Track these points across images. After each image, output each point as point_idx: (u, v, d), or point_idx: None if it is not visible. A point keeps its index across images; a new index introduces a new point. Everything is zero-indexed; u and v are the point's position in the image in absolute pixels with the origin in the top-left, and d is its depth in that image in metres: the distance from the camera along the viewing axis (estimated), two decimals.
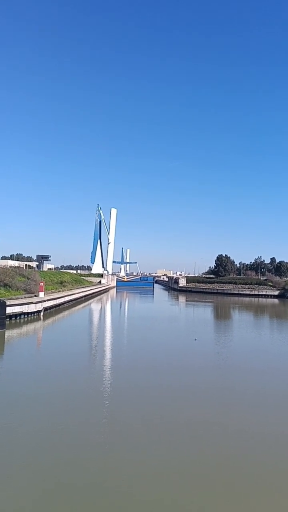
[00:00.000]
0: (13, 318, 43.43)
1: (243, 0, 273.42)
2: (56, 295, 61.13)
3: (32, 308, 47.06)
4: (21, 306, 44.66)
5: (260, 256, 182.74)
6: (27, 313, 46.14)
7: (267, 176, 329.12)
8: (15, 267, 78.11)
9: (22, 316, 45.20)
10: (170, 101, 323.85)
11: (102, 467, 13.10)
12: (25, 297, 49.92)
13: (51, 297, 57.22)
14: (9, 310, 42.09)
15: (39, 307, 49.35)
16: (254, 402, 20.65)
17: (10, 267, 71.92)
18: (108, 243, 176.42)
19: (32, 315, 47.56)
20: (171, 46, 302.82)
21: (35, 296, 52.94)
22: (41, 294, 53.49)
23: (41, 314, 49.84)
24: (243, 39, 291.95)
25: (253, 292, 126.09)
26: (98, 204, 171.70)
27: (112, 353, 32.67)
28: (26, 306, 45.75)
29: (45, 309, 51.93)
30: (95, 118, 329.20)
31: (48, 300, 53.79)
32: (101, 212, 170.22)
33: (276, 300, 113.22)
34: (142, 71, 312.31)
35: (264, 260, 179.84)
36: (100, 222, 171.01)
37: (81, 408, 18.66)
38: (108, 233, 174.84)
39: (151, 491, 11.70)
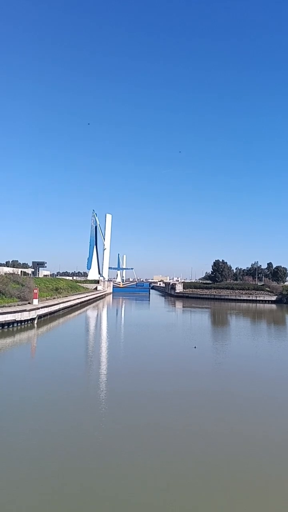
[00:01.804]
0: (6, 327, 42.19)
1: (241, 5, 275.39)
2: (50, 302, 59.89)
3: (25, 316, 45.80)
4: (14, 314, 43.40)
5: (257, 261, 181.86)
6: (20, 321, 44.87)
7: (263, 181, 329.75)
8: (10, 273, 76.79)
9: (15, 324, 43.94)
10: (165, 107, 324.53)
11: (102, 473, 13.09)
12: (18, 305, 48.69)
13: (46, 304, 55.97)
14: (1, 318, 40.92)
15: (33, 314, 48.08)
16: (257, 410, 19.67)
17: (5, 274, 70.62)
18: (104, 249, 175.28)
19: (26, 323, 46.29)
20: (168, 52, 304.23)
21: (29, 303, 51.69)
22: (35, 301, 52.24)
23: (35, 322, 48.58)
24: (241, 43, 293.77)
25: (250, 298, 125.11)
26: (93, 210, 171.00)
27: (108, 362, 31.50)
28: (19, 314, 44.49)
29: (39, 316, 50.67)
30: (90, 124, 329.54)
31: (42, 307, 52.54)
32: (96, 218, 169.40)
33: (273, 306, 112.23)
34: (138, 77, 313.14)
35: (261, 265, 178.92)
36: (95, 227, 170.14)
37: (79, 416, 18.22)
38: (104, 239, 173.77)
39: (151, 496, 11.81)
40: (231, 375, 27.83)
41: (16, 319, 43.83)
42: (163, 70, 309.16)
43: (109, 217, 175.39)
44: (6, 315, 41.96)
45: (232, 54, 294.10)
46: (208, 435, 16.46)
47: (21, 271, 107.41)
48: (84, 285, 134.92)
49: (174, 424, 17.49)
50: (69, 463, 13.69)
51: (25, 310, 45.96)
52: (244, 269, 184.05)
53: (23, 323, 45.58)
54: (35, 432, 16.24)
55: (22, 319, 45.21)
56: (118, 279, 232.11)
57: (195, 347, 36.87)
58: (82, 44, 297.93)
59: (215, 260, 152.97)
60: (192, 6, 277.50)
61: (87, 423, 17.41)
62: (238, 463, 14.10)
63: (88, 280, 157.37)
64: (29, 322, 47.09)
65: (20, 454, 14.18)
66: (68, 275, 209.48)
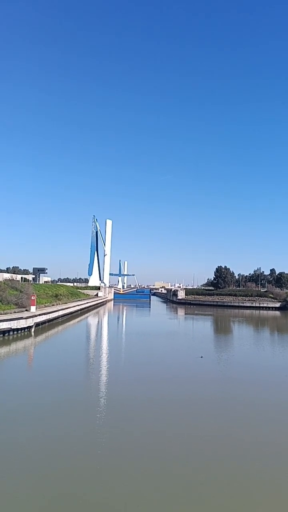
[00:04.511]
0: (1, 335, 40.31)
1: (242, 12, 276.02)
2: (49, 309, 57.96)
3: (22, 323, 43.91)
4: (10, 322, 41.52)
5: (260, 268, 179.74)
6: (17, 329, 43.00)
7: (265, 186, 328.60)
8: (8, 279, 75.00)
9: (11, 333, 42.06)
10: (165, 114, 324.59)
11: (101, 480, 12.93)
12: (15, 312, 46.84)
13: (44, 311, 54.05)
14: None
15: (30, 322, 46.17)
16: (268, 421, 17.80)
17: (4, 280, 68.83)
18: (105, 255, 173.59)
19: (22, 331, 44.41)
20: (169, 59, 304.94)
21: (26, 310, 49.85)
22: (33, 308, 50.36)
23: (32, 330, 46.67)
24: (240, 51, 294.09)
25: (253, 304, 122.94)
26: (94, 216, 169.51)
27: (108, 372, 29.51)
28: (15, 321, 42.61)
29: (37, 324, 48.76)
30: (91, 131, 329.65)
31: (40, 314, 50.64)
32: (97, 223, 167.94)
33: (277, 313, 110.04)
34: (139, 84, 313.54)
35: (263, 272, 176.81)
36: (96, 233, 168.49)
37: (78, 425, 17.60)
38: (104, 245, 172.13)
39: (151, 504, 11.71)
40: (241, 386, 25.85)
41: (12, 327, 41.97)
42: (163, 77, 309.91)
43: (109, 223, 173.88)
44: (1, 323, 40.10)
45: (232, 62, 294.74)
46: (223, 446, 15.77)
47: (22, 277, 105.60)
48: (85, 291, 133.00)
49: (181, 434, 16.97)
50: (69, 472, 13.40)
51: (21, 318, 44.09)
52: (246, 276, 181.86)
53: (19, 331, 43.72)
54: (32, 441, 15.80)
55: (19, 327, 43.34)
56: (119, 285, 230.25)
57: (201, 357, 34.94)
58: (84, 51, 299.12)
59: (218, 266, 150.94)
60: (193, 14, 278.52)
61: (87, 432, 16.86)
62: (244, 473, 13.71)
63: (89, 286, 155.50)
64: (26, 330, 45.22)
65: (19, 463, 13.93)
66: (69, 281, 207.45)
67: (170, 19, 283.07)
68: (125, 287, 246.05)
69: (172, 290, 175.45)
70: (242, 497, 12.13)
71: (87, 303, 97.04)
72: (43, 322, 52.38)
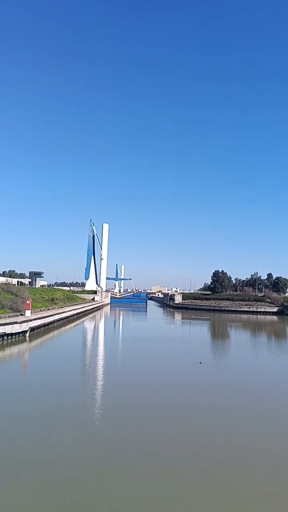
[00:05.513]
0: None
1: (240, 16, 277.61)
2: (44, 314, 57.13)
3: (16, 328, 43.13)
4: (4, 326, 40.75)
5: (257, 272, 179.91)
6: (11, 334, 42.23)
7: (262, 191, 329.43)
8: (3, 283, 74.18)
9: (5, 338, 41.30)
10: (163, 118, 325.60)
11: (100, 484, 12.85)
12: (9, 316, 46.05)
13: (39, 315, 53.24)
14: None
15: (25, 327, 45.40)
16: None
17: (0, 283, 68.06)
18: (101, 259, 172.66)
19: (17, 336, 43.64)
20: (168, 63, 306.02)
21: (21, 314, 49.07)
22: (28, 312, 49.58)
23: (27, 334, 45.90)
24: (240, 55, 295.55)
25: (251, 309, 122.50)
26: (90, 220, 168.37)
27: (104, 378, 28.81)
28: (10, 326, 41.83)
29: (32, 329, 47.98)
30: (88, 135, 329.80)
31: (35, 319, 49.84)
32: (93, 227, 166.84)
33: (275, 317, 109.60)
34: (137, 88, 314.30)
35: (260, 276, 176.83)
36: (93, 237, 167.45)
37: (75, 430, 17.29)
38: (101, 249, 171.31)
39: (151, 506, 11.68)
40: (240, 391, 25.22)
41: (6, 332, 41.20)
42: (161, 82, 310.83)
43: (106, 226, 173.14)
44: None
45: (230, 66, 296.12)
46: (222, 451, 15.50)
47: (18, 281, 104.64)
48: (81, 295, 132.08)
49: (179, 438, 16.73)
50: (67, 476, 13.27)
51: (16, 322, 43.31)
52: (243, 280, 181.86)
53: (14, 336, 42.94)
54: (29, 446, 15.57)
55: (13, 331, 42.57)
56: (116, 290, 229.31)
57: (200, 363, 34.29)
58: (83, 55, 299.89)
59: (215, 271, 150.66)
60: (194, 18, 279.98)
61: (84, 436, 16.79)
62: (243, 475, 13.81)
63: (86, 290, 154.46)
64: (20, 335, 44.44)
65: (16, 468, 13.82)
66: (66, 286, 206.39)
67: (174, 22, 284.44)
68: (122, 291, 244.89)
69: (169, 294, 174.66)
70: (242, 500, 12.14)
71: (83, 307, 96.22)
72: (38, 327, 51.59)
